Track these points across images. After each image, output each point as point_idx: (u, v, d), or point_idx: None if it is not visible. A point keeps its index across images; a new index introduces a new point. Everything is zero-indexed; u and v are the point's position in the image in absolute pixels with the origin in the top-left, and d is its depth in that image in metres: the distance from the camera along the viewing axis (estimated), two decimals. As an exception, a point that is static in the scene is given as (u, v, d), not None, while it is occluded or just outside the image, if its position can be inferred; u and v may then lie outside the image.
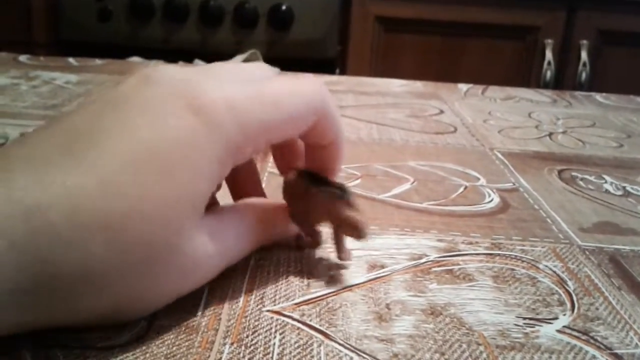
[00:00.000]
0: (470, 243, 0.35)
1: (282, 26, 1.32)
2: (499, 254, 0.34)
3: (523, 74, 1.39)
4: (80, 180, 0.21)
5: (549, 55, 1.37)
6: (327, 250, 0.33)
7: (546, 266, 0.33)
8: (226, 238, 0.27)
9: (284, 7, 1.31)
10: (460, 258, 0.33)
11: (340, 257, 0.31)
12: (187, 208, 0.24)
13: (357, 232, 0.29)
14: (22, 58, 0.78)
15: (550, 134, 0.59)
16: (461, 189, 0.44)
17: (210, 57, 1.19)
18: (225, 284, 0.29)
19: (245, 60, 1.11)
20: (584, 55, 1.37)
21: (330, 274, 0.31)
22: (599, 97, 0.79)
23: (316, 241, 0.33)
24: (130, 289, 0.23)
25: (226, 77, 0.27)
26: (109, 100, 0.24)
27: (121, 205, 0.21)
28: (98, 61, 0.79)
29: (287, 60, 1.31)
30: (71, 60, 0.79)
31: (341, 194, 0.30)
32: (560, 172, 0.49)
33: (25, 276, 0.20)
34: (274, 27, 1.32)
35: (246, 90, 0.26)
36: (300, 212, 0.31)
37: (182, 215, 0.23)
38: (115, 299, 0.22)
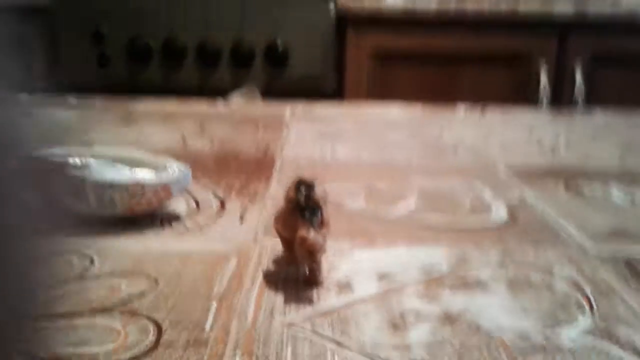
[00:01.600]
0: (482, 253, 0.34)
1: (278, 63, 1.34)
2: (511, 262, 0.33)
3: (519, 99, 1.40)
4: None
5: (543, 80, 1.38)
6: (335, 263, 0.32)
7: (561, 272, 0.32)
8: None
9: (279, 45, 1.32)
10: (472, 266, 0.33)
11: (307, 280, 0.30)
12: None
13: (309, 254, 0.28)
14: (21, 97, 0.79)
15: (552, 149, 0.59)
16: (467, 204, 0.43)
17: (209, 95, 1.19)
18: (234, 297, 0.28)
19: (244, 97, 1.12)
20: (578, 78, 1.38)
21: (340, 285, 0.30)
22: (597, 113, 0.79)
23: (313, 275, 0.30)
24: None
25: None
26: None
27: None
28: (97, 100, 0.80)
29: (285, 96, 1.32)
30: (70, 99, 0.79)
31: (307, 215, 0.29)
32: (566, 184, 0.48)
33: None
34: (271, 64, 1.33)
35: None
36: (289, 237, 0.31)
37: None
38: None
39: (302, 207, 0.29)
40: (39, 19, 1.36)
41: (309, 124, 0.68)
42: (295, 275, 0.31)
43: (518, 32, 1.37)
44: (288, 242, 0.31)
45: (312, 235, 0.28)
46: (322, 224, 0.30)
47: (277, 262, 0.32)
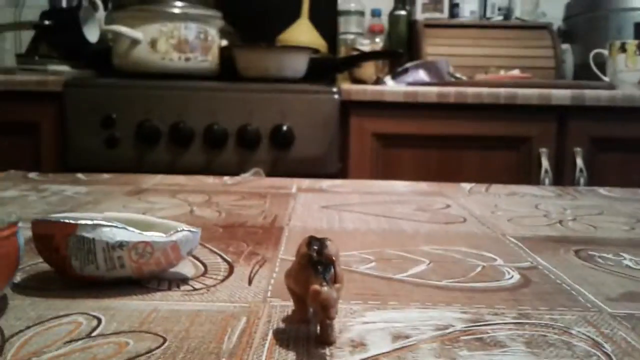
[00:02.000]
0: (496, 314, 0.34)
1: (283, 145, 1.36)
2: (527, 323, 0.32)
3: (521, 182, 1.41)
4: None
5: (545, 163, 1.40)
6: (348, 323, 0.32)
7: (579, 332, 0.31)
8: None
9: (285, 128, 1.35)
10: (488, 327, 0.32)
11: (318, 339, 0.29)
12: None
13: (322, 308, 0.27)
14: (32, 175, 0.80)
15: (560, 221, 0.59)
16: (479, 268, 0.42)
17: (215, 176, 1.21)
18: (243, 354, 0.27)
19: (250, 177, 1.13)
20: (579, 162, 1.40)
21: (353, 344, 0.29)
22: (602, 190, 0.80)
23: (325, 334, 0.29)
24: None
25: None
26: None
27: None
28: (106, 175, 0.81)
29: (290, 177, 1.34)
30: (80, 175, 0.80)
31: (320, 269, 0.29)
32: (576, 251, 0.48)
33: None
34: (276, 146, 1.36)
35: None
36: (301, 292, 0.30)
37: None
38: None
39: (315, 262, 0.29)
40: (51, 103, 1.40)
41: (315, 195, 0.69)
42: (307, 333, 0.30)
43: (517, 117, 1.41)
44: (299, 299, 0.31)
45: (325, 289, 0.28)
46: (335, 279, 0.29)
47: (287, 320, 0.32)
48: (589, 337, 0.31)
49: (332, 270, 0.29)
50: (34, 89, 1.39)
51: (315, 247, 0.31)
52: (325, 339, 0.29)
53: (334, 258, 0.30)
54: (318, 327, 0.30)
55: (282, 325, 0.31)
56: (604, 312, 0.34)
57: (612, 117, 1.40)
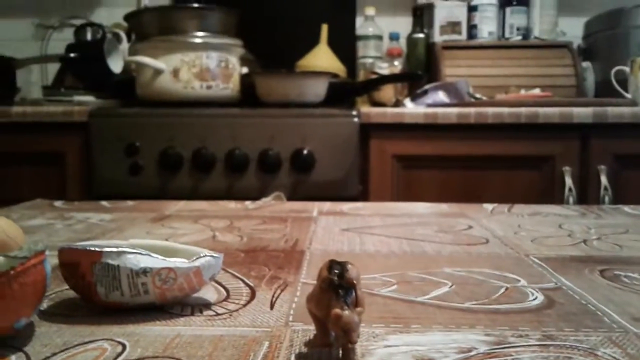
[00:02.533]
0: (520, 336, 0.33)
1: (304, 169, 1.37)
2: (552, 344, 0.32)
3: (545, 201, 1.40)
4: None
5: (568, 181, 1.38)
6: (370, 347, 0.32)
7: (605, 352, 0.31)
8: None
9: (305, 152, 1.36)
10: (512, 349, 0.31)
11: None
12: None
13: (344, 332, 0.27)
14: (57, 203, 0.81)
15: (584, 241, 0.58)
16: (502, 290, 0.42)
17: (237, 201, 1.21)
18: (266, 379, 0.27)
19: (271, 202, 1.13)
20: (603, 180, 1.38)
21: (376, 367, 0.29)
22: (627, 208, 0.79)
23: (346, 358, 0.29)
24: None
25: None
26: None
27: None
28: (130, 202, 0.82)
29: (311, 200, 1.34)
30: (104, 203, 0.82)
31: (342, 293, 0.29)
32: (601, 271, 0.47)
33: None
34: (297, 170, 1.37)
35: None
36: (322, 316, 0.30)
37: None
38: None
39: (336, 286, 0.29)
40: (76, 133, 1.43)
41: (336, 219, 0.69)
42: (329, 357, 0.30)
43: (539, 136, 1.40)
44: (321, 323, 0.31)
45: (347, 313, 0.28)
46: (356, 303, 0.29)
47: (309, 344, 0.32)
48: (614, 358, 0.30)
49: (354, 293, 0.29)
50: (60, 119, 1.42)
51: (337, 271, 0.31)
52: None
53: (355, 282, 0.30)
54: (340, 351, 0.30)
55: (304, 349, 0.31)
56: (629, 333, 0.34)
57: (636, 134, 1.38)
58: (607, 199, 1.38)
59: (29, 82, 2.03)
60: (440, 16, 1.82)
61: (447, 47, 1.75)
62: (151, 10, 1.64)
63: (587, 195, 1.40)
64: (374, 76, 1.64)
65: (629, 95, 1.51)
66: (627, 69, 1.52)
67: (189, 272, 0.36)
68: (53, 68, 1.83)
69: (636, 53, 1.65)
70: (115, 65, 1.50)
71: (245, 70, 1.59)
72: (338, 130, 1.37)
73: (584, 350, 0.31)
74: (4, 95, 1.56)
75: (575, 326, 0.35)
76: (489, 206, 0.80)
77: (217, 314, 0.37)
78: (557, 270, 0.47)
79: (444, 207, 0.79)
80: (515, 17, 1.82)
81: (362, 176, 1.41)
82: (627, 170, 1.40)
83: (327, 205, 0.80)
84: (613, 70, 1.55)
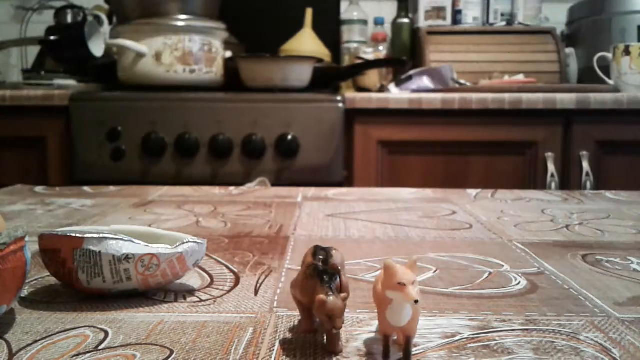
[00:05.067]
0: (504, 320, 0.34)
1: (288, 155, 1.36)
2: (535, 329, 0.32)
3: (527, 187, 1.41)
4: None
5: (551, 167, 1.39)
6: (354, 333, 0.32)
7: (587, 337, 0.31)
8: None
9: (289, 137, 1.36)
10: (495, 334, 0.32)
11: (325, 349, 0.29)
12: None
13: (328, 318, 0.27)
14: (38, 189, 0.80)
15: (567, 226, 0.59)
16: (486, 275, 0.42)
17: (221, 186, 1.21)
18: (251, 365, 0.27)
19: (255, 187, 1.13)
20: (585, 165, 1.39)
21: (360, 353, 0.29)
22: (609, 194, 0.80)
23: (331, 343, 0.29)
24: None
25: None
26: None
27: None
28: (112, 188, 0.81)
29: (296, 185, 1.34)
30: (86, 188, 0.81)
31: (326, 279, 0.29)
32: (584, 256, 0.47)
33: None
34: (281, 155, 1.36)
35: None
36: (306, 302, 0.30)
37: None
38: None
39: (321, 272, 0.29)
40: (57, 117, 1.41)
41: (321, 204, 0.69)
42: (313, 343, 0.30)
43: (522, 122, 1.40)
44: (305, 308, 0.31)
45: (331, 298, 0.28)
46: (341, 288, 0.29)
47: (294, 330, 0.32)
48: (597, 342, 0.30)
49: (338, 279, 0.29)
50: (41, 103, 1.40)
51: (321, 257, 0.31)
52: (332, 349, 0.29)
53: (339, 267, 0.30)
54: (325, 337, 0.30)
55: (288, 335, 0.31)
56: (611, 317, 0.34)
57: (618, 120, 1.40)
58: (589, 184, 1.39)
59: (8, 65, 1.99)
60: (425, 1, 1.81)
61: (432, 32, 1.75)
62: (133, -8, 1.61)
63: (569, 181, 1.42)
64: (358, 61, 1.64)
65: (611, 82, 1.52)
66: (609, 55, 1.53)
67: (172, 258, 0.36)
68: (33, 51, 1.80)
69: (619, 39, 1.66)
70: (97, 48, 1.47)
71: (229, 54, 1.57)
72: (323, 116, 1.37)
73: (566, 334, 0.32)
74: (-18, 78, 1.52)
75: (558, 311, 0.35)
76: (472, 191, 0.80)
77: (201, 300, 0.36)
78: (540, 255, 0.48)
79: (428, 192, 0.79)
80: (499, 3, 1.82)
81: (346, 162, 1.41)
82: (609, 156, 1.42)
83: (311, 191, 0.79)
84: (596, 57, 1.56)
